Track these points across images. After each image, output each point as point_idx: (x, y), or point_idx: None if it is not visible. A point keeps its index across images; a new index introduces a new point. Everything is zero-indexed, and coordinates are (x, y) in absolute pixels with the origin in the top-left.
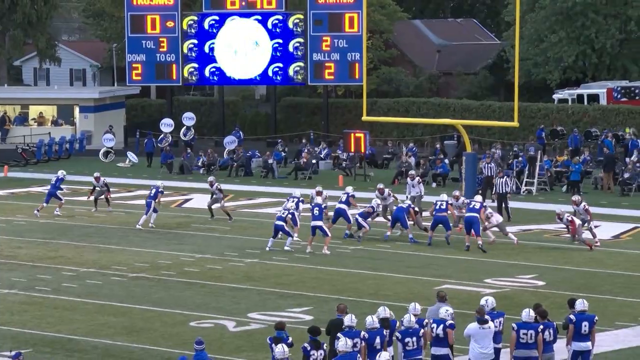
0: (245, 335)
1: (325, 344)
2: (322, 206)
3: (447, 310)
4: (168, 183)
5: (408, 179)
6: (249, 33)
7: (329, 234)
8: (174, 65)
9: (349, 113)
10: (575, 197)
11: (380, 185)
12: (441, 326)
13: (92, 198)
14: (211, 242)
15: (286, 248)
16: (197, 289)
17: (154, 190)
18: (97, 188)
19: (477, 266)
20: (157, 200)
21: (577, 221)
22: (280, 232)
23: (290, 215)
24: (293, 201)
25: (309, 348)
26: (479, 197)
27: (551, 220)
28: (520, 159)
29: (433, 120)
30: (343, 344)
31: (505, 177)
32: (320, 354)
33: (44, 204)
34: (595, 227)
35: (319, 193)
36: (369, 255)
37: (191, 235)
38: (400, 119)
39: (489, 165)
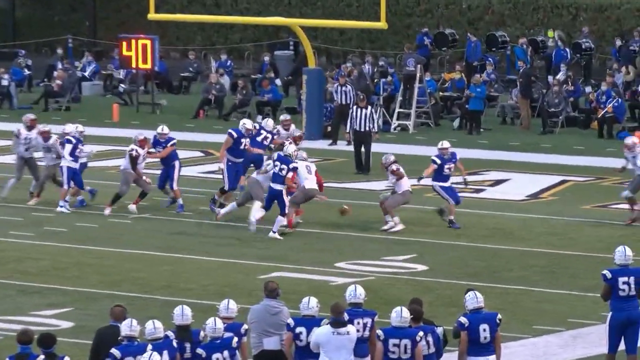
0: None
1: (66, 358)
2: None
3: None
4: None
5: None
6: None
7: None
8: None
9: (128, 8)
10: (387, 158)
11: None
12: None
13: None
14: None
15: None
16: None
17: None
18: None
19: (325, 244)
20: None
21: (309, 185)
22: None
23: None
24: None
25: None
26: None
27: None
28: (390, 78)
29: (257, 20)
30: None
31: (369, 106)
32: None
33: None
34: (501, 181)
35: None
36: (162, 228)
37: None
38: (206, 17)
39: (343, 88)
